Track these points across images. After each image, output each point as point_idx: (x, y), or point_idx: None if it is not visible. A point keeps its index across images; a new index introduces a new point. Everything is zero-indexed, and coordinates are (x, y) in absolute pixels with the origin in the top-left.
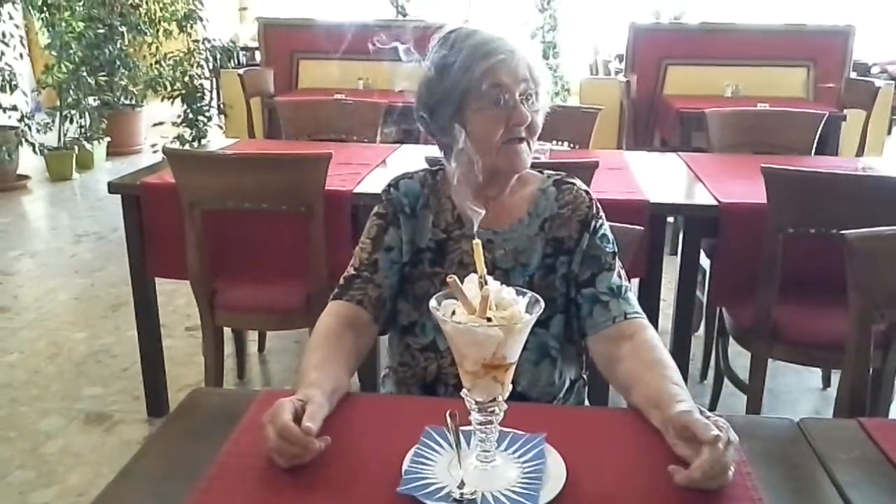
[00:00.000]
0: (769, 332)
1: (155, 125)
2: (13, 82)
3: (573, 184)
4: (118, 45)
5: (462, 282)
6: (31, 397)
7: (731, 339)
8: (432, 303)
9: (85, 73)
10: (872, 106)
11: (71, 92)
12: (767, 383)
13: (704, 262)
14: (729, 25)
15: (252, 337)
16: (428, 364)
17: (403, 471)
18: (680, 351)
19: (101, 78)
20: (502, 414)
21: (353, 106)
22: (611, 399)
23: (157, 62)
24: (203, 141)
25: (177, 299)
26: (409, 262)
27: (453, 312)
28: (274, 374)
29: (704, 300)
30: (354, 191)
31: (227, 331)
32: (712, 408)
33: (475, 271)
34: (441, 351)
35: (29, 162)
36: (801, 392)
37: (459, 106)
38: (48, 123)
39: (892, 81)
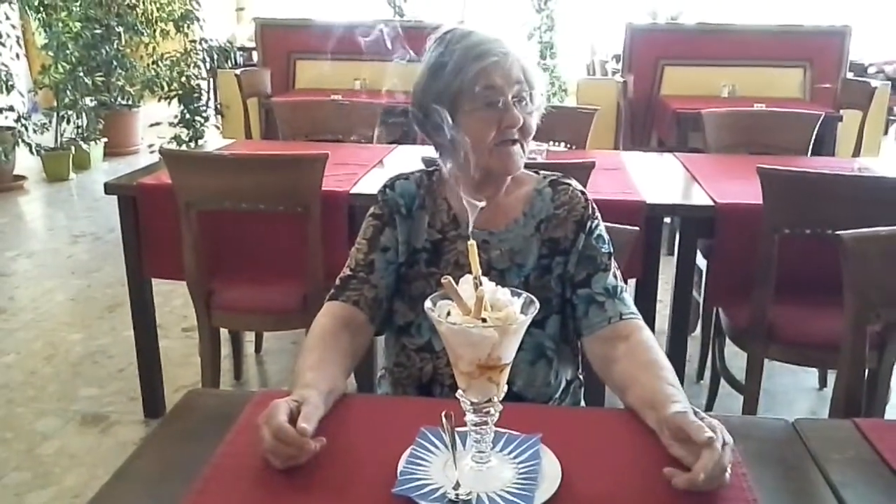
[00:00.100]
0: (765, 332)
1: (152, 125)
2: (10, 83)
3: (569, 184)
4: (115, 46)
5: (457, 282)
6: (27, 398)
7: (727, 340)
8: (427, 303)
9: (82, 74)
10: (869, 106)
11: (68, 92)
12: (764, 383)
13: (701, 262)
14: (725, 26)
15: (249, 338)
16: (424, 365)
17: (399, 471)
18: (676, 351)
19: (97, 78)
20: (497, 415)
21: (350, 106)
22: (607, 399)
23: (153, 62)
24: (200, 141)
25: (173, 300)
26: (405, 262)
27: (448, 313)
28: (271, 374)
29: (701, 300)
30: (351, 191)
31: (224, 331)
32: (708, 408)
33: (471, 272)
34: (437, 351)
35: (25, 162)
36: (798, 392)
37: (452, 107)
38: (45, 124)
39: (889, 82)
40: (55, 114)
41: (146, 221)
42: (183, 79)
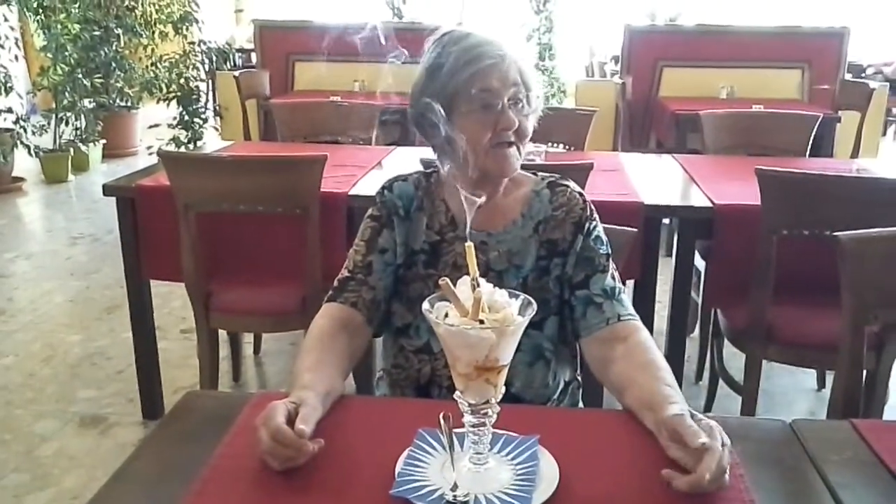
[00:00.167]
0: (763, 333)
1: (151, 127)
2: (8, 84)
3: (567, 186)
4: (114, 48)
5: (455, 284)
6: (25, 400)
7: (725, 341)
8: (425, 305)
9: (80, 76)
10: (867, 107)
11: (66, 94)
12: (762, 384)
13: (699, 263)
14: (724, 27)
15: (248, 339)
16: (422, 366)
17: (397, 473)
18: (675, 352)
19: (96, 80)
20: (495, 416)
21: (349, 108)
22: (605, 401)
23: (152, 64)
24: (199, 143)
25: (172, 301)
26: (402, 264)
27: (446, 315)
28: (269, 376)
29: (699, 301)
30: (350, 193)
31: (223, 333)
32: (707, 409)
33: (468, 273)
34: (435, 353)
35: (24, 164)
36: (796, 393)
37: (449, 108)
38: (44, 126)
39: (887, 83)
40: (54, 115)
41: (145, 223)
42: (182, 80)
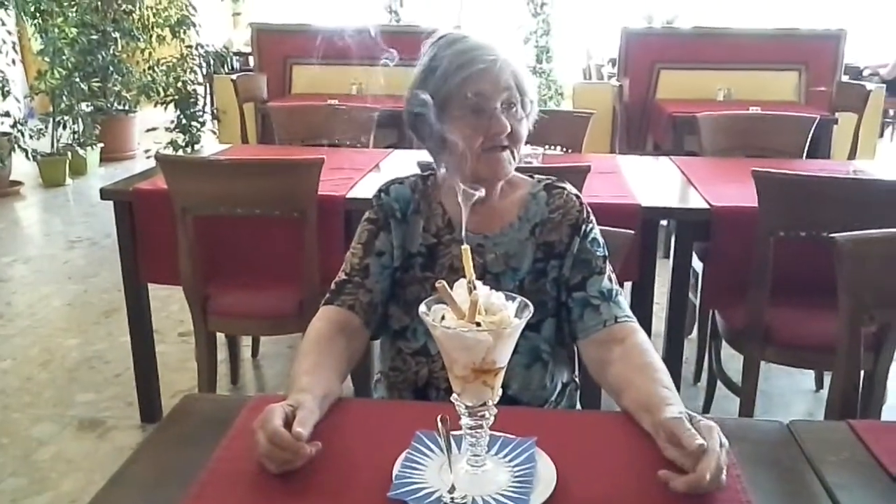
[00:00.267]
0: (761, 334)
1: (148, 131)
2: (6, 88)
3: (563, 188)
4: (111, 51)
5: (452, 287)
6: (23, 404)
7: (723, 342)
8: (422, 308)
9: (78, 79)
10: (864, 109)
11: (64, 98)
12: (761, 385)
13: (697, 265)
14: (721, 30)
15: (246, 342)
16: (419, 368)
17: (394, 475)
18: (673, 354)
19: (94, 84)
20: (492, 418)
21: (346, 111)
22: (603, 402)
23: (150, 68)
24: (196, 146)
25: (170, 305)
26: (400, 266)
27: (443, 317)
28: (268, 379)
29: (697, 303)
30: (347, 196)
31: (221, 336)
32: (705, 410)
33: (465, 276)
34: (432, 355)
35: (22, 168)
36: (795, 394)
37: (442, 111)
38: (41, 129)
39: (884, 85)
40: (51, 119)
41: (142, 227)
42: (179, 84)
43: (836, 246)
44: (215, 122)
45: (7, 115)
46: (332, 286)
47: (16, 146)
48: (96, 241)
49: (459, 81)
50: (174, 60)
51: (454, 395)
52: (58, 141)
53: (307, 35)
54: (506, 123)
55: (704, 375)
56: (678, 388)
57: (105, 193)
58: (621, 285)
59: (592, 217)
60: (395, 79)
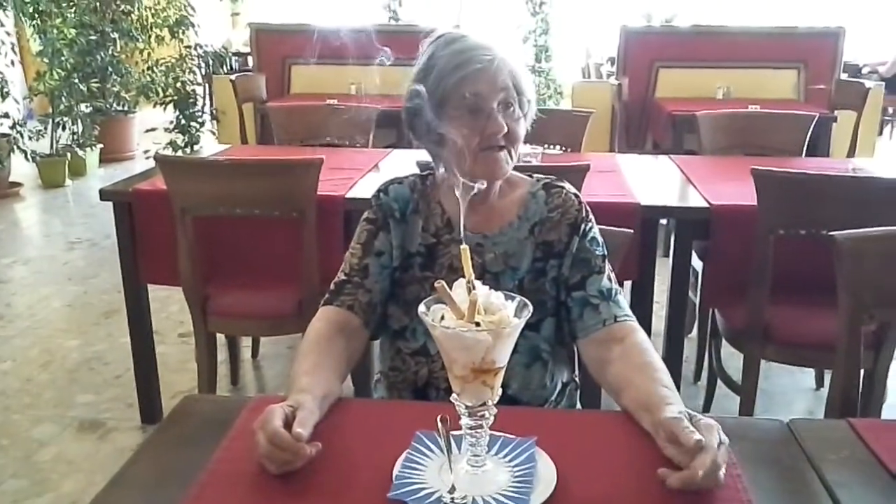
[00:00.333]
0: (761, 333)
1: (147, 131)
2: (5, 89)
3: (562, 187)
4: (110, 52)
5: (451, 286)
6: (23, 405)
7: (723, 341)
8: (421, 308)
9: (77, 80)
10: (863, 107)
11: (63, 99)
12: (761, 384)
13: (697, 263)
14: (720, 28)
15: (246, 343)
16: (419, 368)
17: (394, 476)
18: (673, 353)
19: (93, 84)
20: (492, 418)
21: (346, 111)
22: (603, 401)
23: (149, 68)
24: (196, 147)
25: (170, 306)
26: (399, 266)
27: (442, 317)
28: (268, 379)
29: (697, 302)
30: (346, 196)
31: (221, 337)
32: (706, 409)
33: (464, 276)
34: (432, 355)
35: (21, 169)
36: (795, 392)
37: (439, 111)
38: (40, 130)
39: (883, 82)
40: (51, 120)
41: (142, 227)
42: (178, 84)
43: (835, 244)
44: (214, 122)
45: (6, 116)
46: (332, 286)
47: (15, 147)
48: (96, 241)
49: (456, 81)
50: (173, 61)
51: (454, 395)
52: (57, 142)
53: (306, 35)
54: (502, 124)
55: (704, 374)
56: (678, 387)
57: (104, 194)
58: (621, 284)
59: (591, 216)
60: (393, 79)
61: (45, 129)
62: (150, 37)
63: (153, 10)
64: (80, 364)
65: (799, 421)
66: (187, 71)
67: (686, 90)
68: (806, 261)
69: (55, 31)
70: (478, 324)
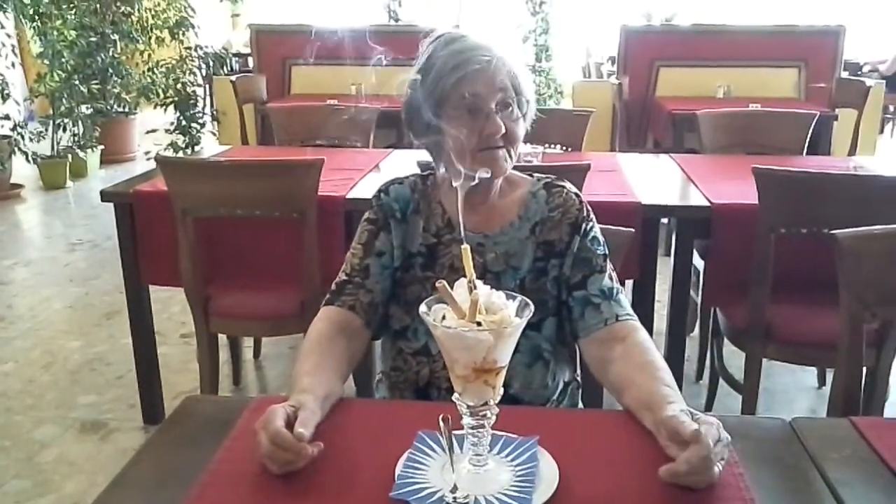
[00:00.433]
0: (763, 331)
1: (148, 132)
2: (5, 91)
3: (563, 187)
4: (110, 53)
5: (452, 286)
6: (25, 406)
7: (725, 340)
8: (422, 308)
9: (77, 82)
10: (864, 105)
11: (64, 100)
12: (763, 383)
13: (698, 262)
14: (720, 27)
15: (248, 343)
16: (420, 368)
17: (396, 475)
18: (675, 351)
19: (93, 86)
20: (494, 417)
21: (346, 111)
22: (605, 401)
23: (149, 70)
24: (196, 148)
25: (172, 307)
26: (400, 266)
27: (443, 317)
28: (270, 379)
29: (698, 301)
30: (347, 196)
31: (223, 337)
32: (708, 408)
33: (465, 275)
34: (433, 355)
35: (22, 171)
36: (797, 391)
37: (437, 111)
38: (41, 132)
39: (883, 80)
40: (51, 122)
41: (143, 228)
42: (179, 86)
43: (836, 242)
44: (215, 123)
45: (7, 118)
46: (333, 287)
47: (16, 149)
48: (97, 243)
49: (455, 81)
50: (173, 62)
51: (456, 395)
52: (58, 143)
53: (306, 36)
54: (500, 124)
55: (706, 373)
56: (680, 387)
57: (105, 195)
58: (622, 284)
59: (592, 215)
60: (394, 79)
61: (46, 130)
62: (150, 38)
63: (153, 12)
64: (82, 365)
65: (801, 419)
66: (188, 72)
67: (686, 89)
68: (807, 259)
69: (55, 32)
70: (479, 323)
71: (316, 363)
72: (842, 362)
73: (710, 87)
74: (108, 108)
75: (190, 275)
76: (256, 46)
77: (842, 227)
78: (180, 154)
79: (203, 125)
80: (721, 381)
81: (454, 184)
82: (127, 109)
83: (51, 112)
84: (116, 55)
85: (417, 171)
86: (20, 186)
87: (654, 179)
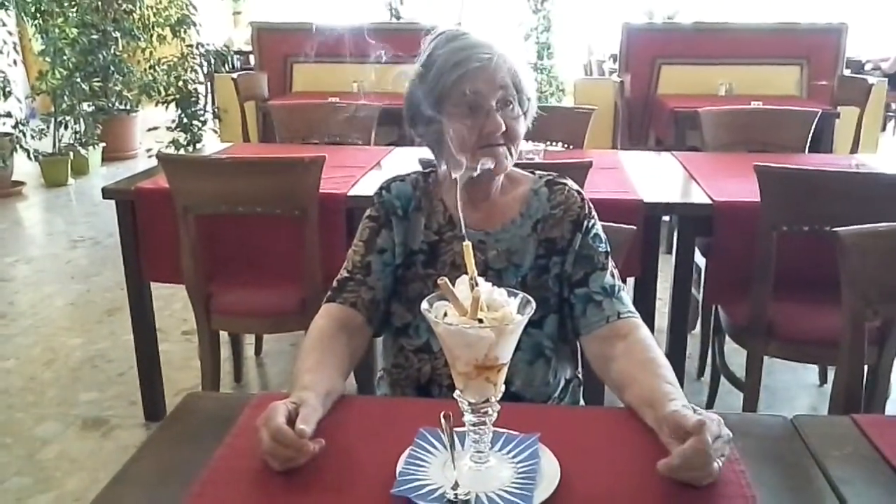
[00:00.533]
0: (764, 329)
1: (150, 130)
2: (7, 89)
3: (565, 184)
4: (112, 51)
5: (454, 283)
6: (27, 403)
7: (726, 337)
8: (424, 305)
9: (79, 79)
10: (866, 103)
11: (65, 98)
12: (764, 380)
13: (700, 260)
14: (722, 24)
15: (249, 340)
16: (422, 365)
17: (398, 472)
18: (676, 349)
19: (95, 83)
20: (495, 415)
21: (347, 109)
22: (606, 398)
23: (151, 67)
24: (198, 145)
25: (174, 304)
26: (401, 264)
27: (445, 314)
28: (271, 377)
29: (700, 298)
30: (349, 194)
31: (224, 334)
32: (709, 405)
33: (467, 273)
34: (435, 352)
35: (24, 168)
36: (798, 389)
37: (437, 109)
38: (43, 130)
39: (886, 78)
40: (53, 119)
41: (144, 226)
42: (180, 83)
43: (838, 240)
44: (216, 120)
45: (9, 115)
46: (334, 284)
47: (17, 146)
48: (99, 240)
49: (455, 79)
50: (175, 60)
51: (457, 392)
52: (59, 141)
53: (308, 33)
54: (500, 122)
55: (708, 371)
56: (681, 384)
57: (107, 193)
58: (624, 281)
59: (594, 213)
60: (395, 76)
61: (48, 128)
62: (151, 36)
63: (155, 9)
64: (84, 362)
65: (803, 417)
66: (189, 70)
67: (688, 87)
68: (809, 257)
69: (57, 30)
70: (481, 320)
71: (317, 360)
72: (843, 360)
73: (712, 84)
74: (110, 105)
75: (191, 272)
76: (258, 44)
77: (844, 225)
78: (182, 151)
79: (204, 123)
80: (722, 378)
81: (454, 175)
82: (128, 107)
83: (52, 109)
84: (118, 53)
85: (419, 168)
86: (22, 184)
87: (656, 177)
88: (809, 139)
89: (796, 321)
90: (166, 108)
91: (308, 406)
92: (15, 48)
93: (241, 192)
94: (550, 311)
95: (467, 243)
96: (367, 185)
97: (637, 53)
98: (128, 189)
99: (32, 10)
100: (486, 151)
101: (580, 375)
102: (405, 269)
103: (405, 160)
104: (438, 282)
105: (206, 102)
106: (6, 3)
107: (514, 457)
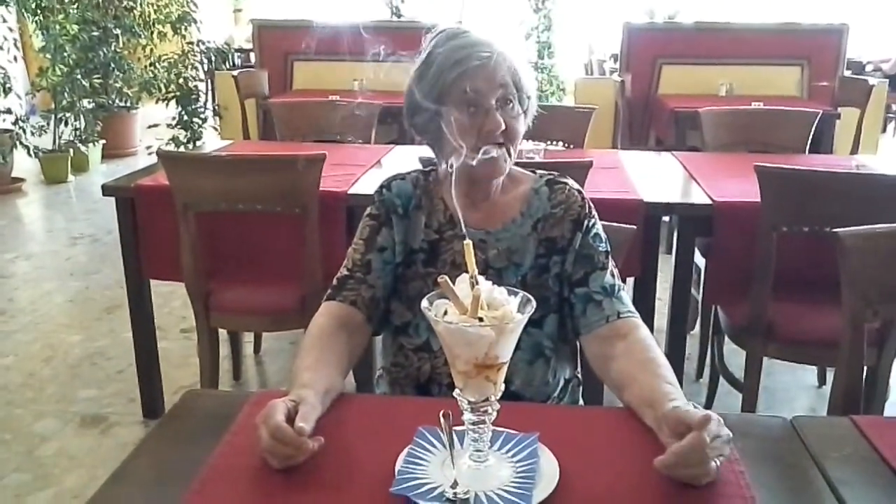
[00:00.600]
0: (764, 330)
1: (150, 127)
2: (7, 85)
3: (565, 183)
4: (112, 48)
5: (454, 282)
6: (26, 400)
7: (726, 338)
8: (424, 303)
9: (79, 76)
10: (866, 104)
11: (65, 94)
12: (763, 381)
13: (699, 260)
14: (723, 24)
15: (248, 338)
16: (421, 364)
17: (397, 471)
18: (675, 349)
19: (95, 80)
20: (495, 414)
21: (348, 107)
22: (605, 398)
23: (151, 64)
24: (198, 142)
25: (173, 301)
26: (401, 262)
27: (445, 313)
28: (270, 374)
29: (699, 299)
30: (349, 192)
31: (224, 332)
32: (708, 406)
33: (467, 271)
34: (434, 351)
35: (24, 165)
36: (798, 390)
37: (437, 108)
38: (43, 126)
39: (886, 79)
40: (53, 116)
41: (144, 223)
42: (181, 80)
43: (839, 241)
44: (217, 118)
45: (9, 112)
46: (334, 282)
47: (17, 143)
48: (98, 237)
49: (455, 77)
50: (175, 57)
51: (457, 391)
52: (59, 138)
53: (308, 31)
54: (499, 121)
55: (707, 371)
56: (680, 385)
57: (107, 190)
58: (623, 281)
59: (594, 212)
60: (395, 75)
61: (48, 124)
62: (152, 33)
63: (155, 7)
64: (83, 359)
65: (802, 418)
66: (189, 67)
67: (689, 87)
68: (809, 258)
69: (58, 27)
70: (481, 319)
71: (316, 358)
72: (843, 361)
73: (713, 84)
74: (110, 102)
75: (191, 269)
76: (258, 42)
77: (844, 226)
78: (182, 149)
79: (205, 120)
80: (721, 379)
81: (454, 165)
82: (129, 104)
83: (52, 106)
84: (118, 50)
85: (419, 166)
86: (22, 180)
87: (656, 177)
88: (810, 140)
89: (796, 322)
90: (167, 105)
91: (307, 404)
92: (15, 44)
93: (242, 189)
94: (550, 311)
95: (468, 242)
96: (367, 184)
97: (638, 53)
98: (128, 186)
99: (33, 6)
100: (486, 151)
101: (580, 375)
102: (405, 267)
103: (405, 158)
104: (439, 280)
105: (206, 100)
106: (7, 0)
107: (513, 456)
